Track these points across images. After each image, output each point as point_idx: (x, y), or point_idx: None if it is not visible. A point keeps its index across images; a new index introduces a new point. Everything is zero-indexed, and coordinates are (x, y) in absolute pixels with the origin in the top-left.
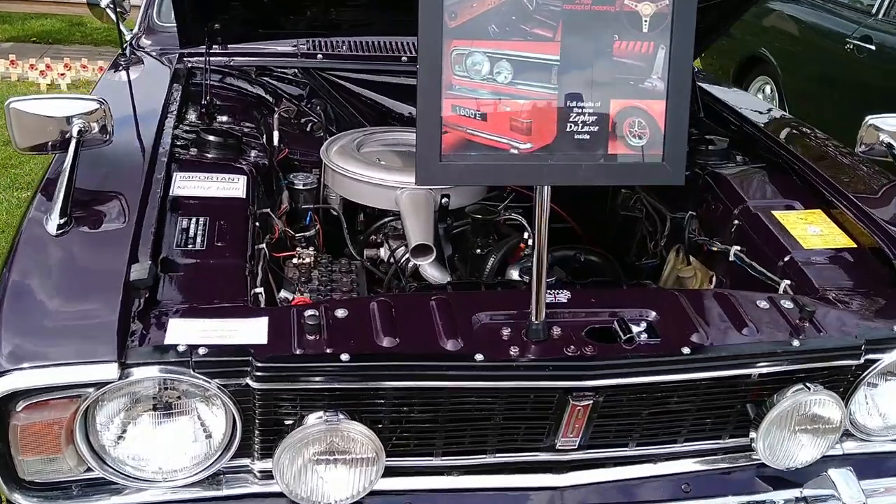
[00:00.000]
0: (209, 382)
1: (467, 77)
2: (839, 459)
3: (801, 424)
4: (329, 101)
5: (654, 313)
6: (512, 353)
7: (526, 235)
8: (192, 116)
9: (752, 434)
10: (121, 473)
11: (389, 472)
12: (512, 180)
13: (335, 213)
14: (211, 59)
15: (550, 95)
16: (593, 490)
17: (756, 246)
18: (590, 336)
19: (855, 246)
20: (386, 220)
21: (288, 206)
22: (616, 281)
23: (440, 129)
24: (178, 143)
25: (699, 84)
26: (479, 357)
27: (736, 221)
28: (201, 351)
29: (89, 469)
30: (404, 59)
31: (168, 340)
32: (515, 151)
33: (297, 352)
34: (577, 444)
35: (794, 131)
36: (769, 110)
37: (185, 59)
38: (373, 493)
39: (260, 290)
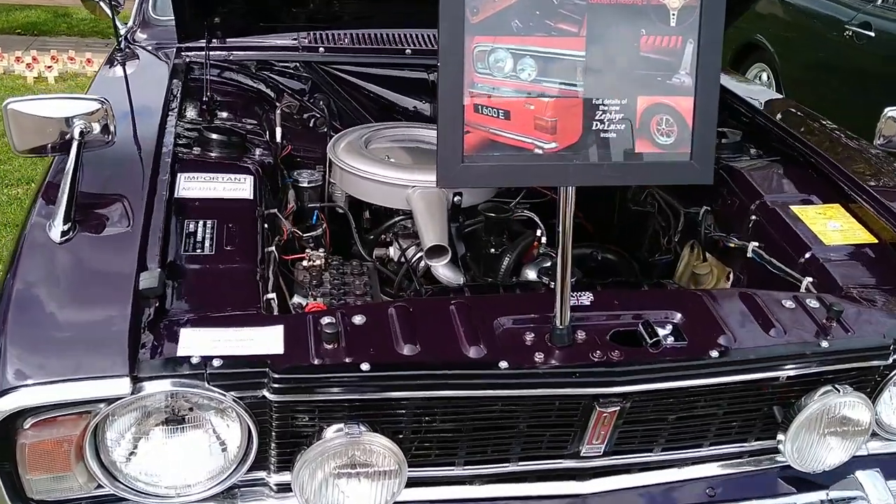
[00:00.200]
0: (224, 395)
1: (490, 75)
2: (864, 460)
3: (830, 427)
4: (332, 95)
5: (679, 315)
6: (537, 359)
7: (539, 233)
8: (192, 113)
9: (780, 437)
10: (133, 490)
11: (410, 482)
12: (536, 181)
13: (342, 211)
14: (210, 53)
15: (575, 93)
16: (617, 497)
17: (774, 242)
18: (614, 340)
19: (876, 241)
20: (397, 219)
21: (294, 206)
22: (637, 281)
23: (462, 129)
24: (181, 142)
25: None
26: (503, 364)
27: (753, 217)
28: (216, 363)
29: (100, 486)
30: (408, 51)
31: (181, 352)
32: (540, 151)
33: (316, 362)
34: (601, 450)
35: (808, 123)
36: (780, 101)
37: (183, 53)
38: None
39: (272, 295)
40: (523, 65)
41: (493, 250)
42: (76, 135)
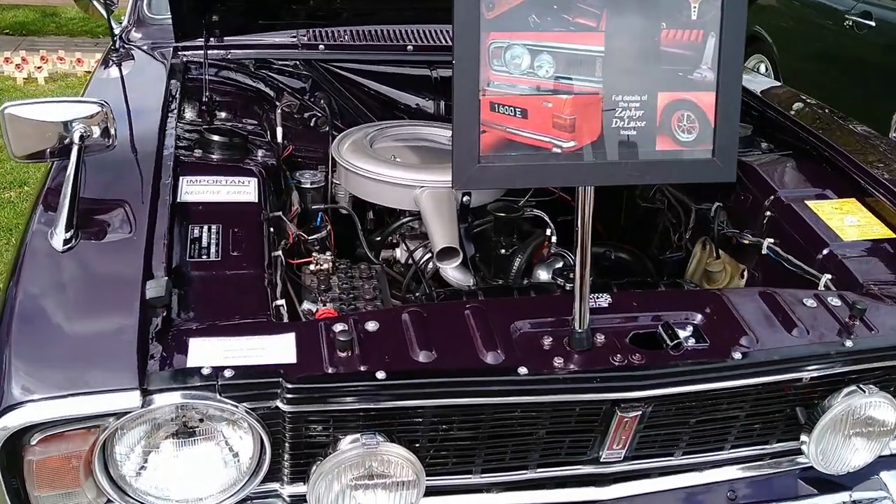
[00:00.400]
0: (237, 407)
1: (506, 72)
2: (889, 460)
3: (855, 428)
4: (333, 94)
5: (699, 316)
6: (556, 364)
7: (548, 232)
8: (191, 114)
9: (804, 439)
10: None
11: (426, 491)
12: (555, 181)
13: (346, 212)
14: (208, 52)
15: (594, 89)
16: (638, 502)
17: (790, 238)
18: (634, 343)
19: (894, 236)
20: (405, 220)
21: (299, 208)
22: (653, 281)
23: (478, 128)
24: (181, 145)
25: None
26: (522, 370)
27: (767, 213)
28: (227, 373)
29: (109, 502)
30: (410, 48)
31: (191, 363)
32: (558, 150)
33: (330, 371)
34: (622, 455)
35: (819, 115)
36: (788, 92)
37: (180, 53)
38: None
39: (281, 302)
40: (541, 61)
41: (503, 251)
42: (76, 139)
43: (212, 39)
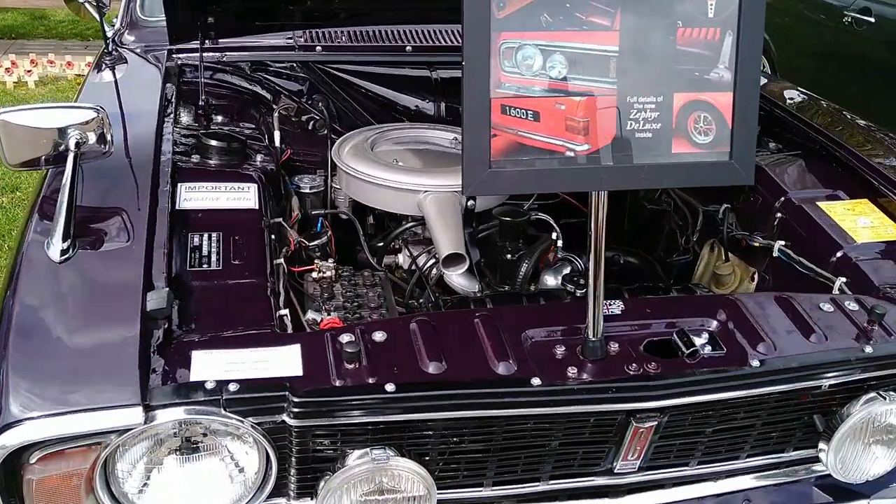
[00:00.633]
0: (242, 422)
1: (518, 73)
2: None
3: (875, 436)
4: (330, 96)
5: (714, 322)
6: (570, 374)
7: (553, 236)
8: (187, 119)
9: (823, 447)
10: None
11: None
12: (568, 186)
13: (346, 217)
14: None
15: (609, 91)
16: None
17: (802, 240)
18: (648, 350)
19: None
20: (408, 225)
21: (299, 214)
22: (665, 286)
23: (489, 131)
24: (178, 150)
25: None
26: (535, 381)
27: (778, 214)
28: (232, 387)
29: None
30: (408, 48)
31: (194, 377)
32: (571, 154)
33: (337, 383)
34: (636, 466)
35: (828, 114)
36: (796, 91)
37: (174, 55)
38: None
39: (285, 311)
40: (553, 62)
41: (509, 256)
42: (71, 146)
43: (207, 42)
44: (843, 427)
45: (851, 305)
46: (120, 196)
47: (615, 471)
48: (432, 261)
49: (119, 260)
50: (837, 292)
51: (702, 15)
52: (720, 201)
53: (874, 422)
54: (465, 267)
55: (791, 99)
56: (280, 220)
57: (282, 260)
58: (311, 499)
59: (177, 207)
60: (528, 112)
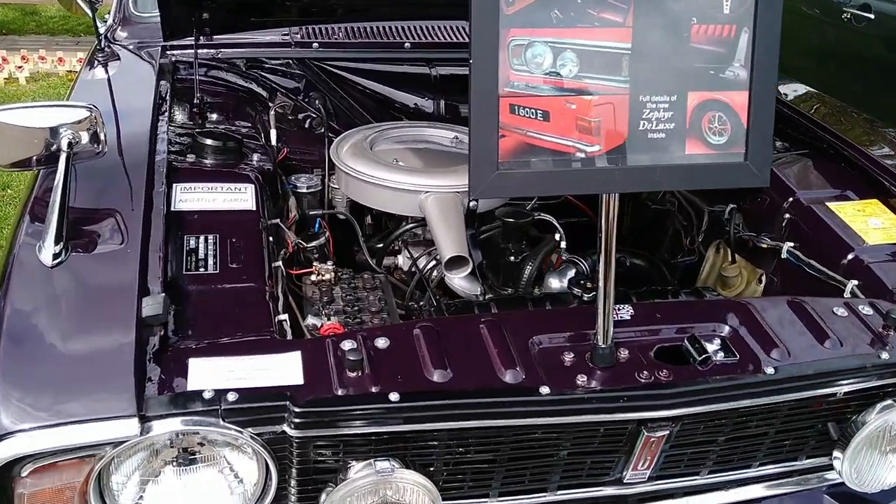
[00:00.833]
0: (241, 433)
1: (527, 72)
2: None
3: (892, 444)
4: (327, 93)
5: (726, 328)
6: (579, 382)
7: (557, 237)
8: (182, 117)
9: (837, 455)
10: None
11: None
12: (579, 189)
13: (343, 217)
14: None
15: (621, 90)
16: None
17: (811, 242)
18: (659, 357)
19: None
20: (409, 226)
21: (297, 215)
22: (674, 289)
23: (497, 132)
24: (173, 149)
25: None
26: (544, 390)
27: (787, 215)
28: (230, 397)
29: None
30: (407, 45)
31: (191, 385)
32: (582, 155)
33: (339, 392)
34: (646, 476)
35: (835, 112)
36: (801, 90)
37: (168, 52)
38: None
39: (284, 317)
40: (564, 59)
41: (512, 258)
42: (64, 146)
43: (202, 38)
44: (860, 436)
45: (866, 310)
46: (114, 197)
47: (624, 480)
48: (433, 262)
49: (113, 264)
50: (849, 296)
51: (717, 11)
52: (726, 201)
53: (891, 430)
54: (469, 270)
55: (797, 96)
56: (277, 221)
57: (280, 262)
58: None
59: (172, 209)
60: (538, 112)
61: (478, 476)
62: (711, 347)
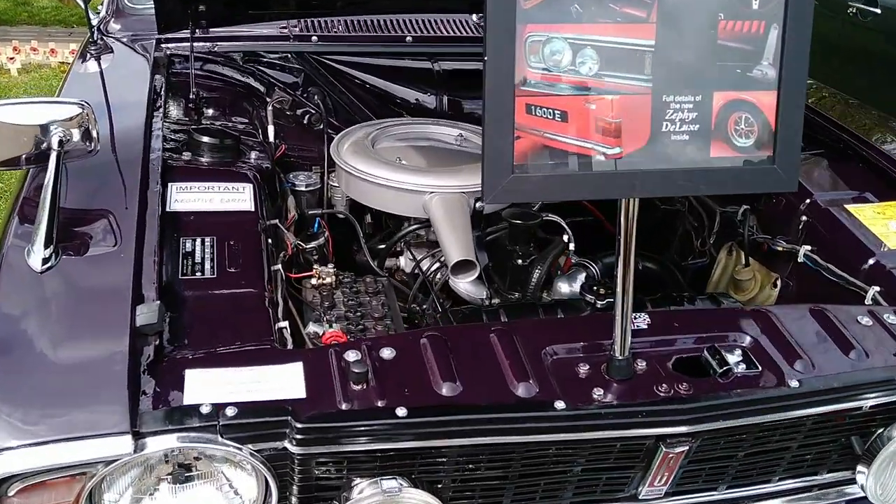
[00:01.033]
0: (240, 449)
1: (545, 69)
2: None
3: None
4: (327, 88)
5: (747, 338)
6: (595, 396)
7: (565, 238)
8: (177, 112)
9: (862, 470)
10: None
11: None
12: (598, 193)
13: (343, 216)
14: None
15: (643, 89)
16: None
17: (829, 245)
18: (677, 369)
19: None
20: (412, 228)
21: (296, 215)
22: (690, 295)
23: (512, 133)
24: (168, 147)
25: None
26: (559, 405)
27: (803, 217)
28: (229, 411)
29: None
30: (409, 38)
31: (188, 399)
32: (602, 158)
33: (343, 407)
34: (663, 492)
35: (849, 110)
36: (816, 87)
37: (163, 45)
38: None
39: (285, 324)
40: (583, 57)
41: (519, 261)
42: (54, 144)
43: (197, 31)
44: (886, 451)
45: (891, 319)
46: (106, 198)
47: (640, 497)
48: (437, 265)
49: (105, 269)
50: (871, 303)
51: (745, 6)
52: (739, 202)
53: None
54: (476, 275)
55: (809, 93)
56: (276, 221)
57: (279, 266)
58: None
59: (167, 209)
60: (556, 112)
61: (487, 493)
62: (732, 359)
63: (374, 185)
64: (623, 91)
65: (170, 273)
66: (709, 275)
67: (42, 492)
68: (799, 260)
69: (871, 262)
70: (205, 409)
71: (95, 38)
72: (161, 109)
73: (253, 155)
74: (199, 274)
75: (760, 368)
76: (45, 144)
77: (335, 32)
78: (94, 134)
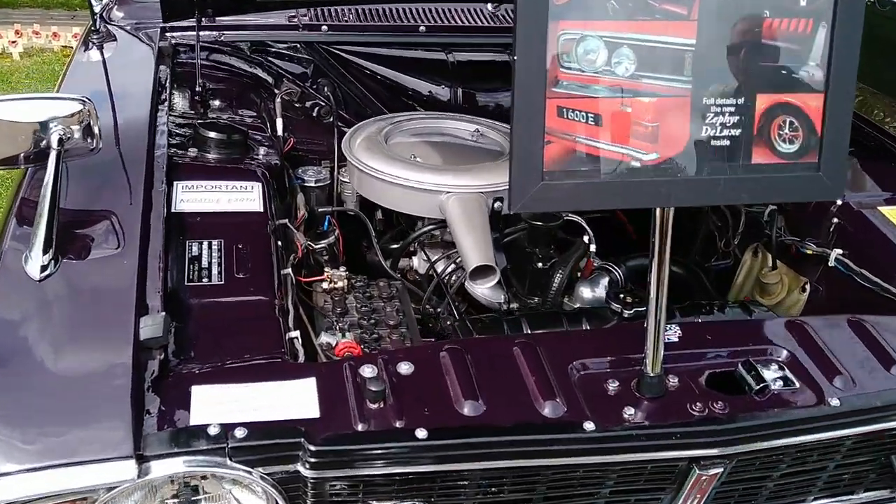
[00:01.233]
0: (250, 473)
1: (578, 70)
2: None
3: None
4: (337, 80)
5: (784, 352)
6: (626, 416)
7: (586, 239)
8: (182, 105)
9: None
10: None
11: None
12: (632, 202)
13: (353, 213)
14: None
15: (683, 91)
16: None
17: (862, 249)
18: (711, 385)
19: None
20: (427, 228)
21: (306, 213)
22: (720, 303)
23: (542, 138)
24: (173, 142)
25: None
26: (588, 426)
27: (834, 219)
28: (238, 433)
29: None
30: (422, 28)
31: (195, 419)
32: (637, 164)
33: (360, 428)
34: None
35: (883, 107)
36: None
37: (167, 34)
38: None
39: (296, 334)
40: (619, 56)
41: (539, 264)
42: (54, 143)
43: (203, 19)
44: None
45: None
46: (109, 198)
47: None
48: (452, 266)
49: (108, 277)
50: None
51: (793, 3)
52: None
53: None
54: (495, 280)
55: None
56: (286, 221)
57: (290, 270)
58: None
59: (173, 210)
60: (589, 115)
61: None
62: (769, 374)
63: (389, 183)
64: (661, 93)
65: (175, 279)
66: (732, 277)
67: None
68: (830, 264)
69: None
70: (213, 431)
71: (98, 26)
72: (166, 102)
73: (261, 150)
74: (205, 280)
75: (798, 385)
76: (44, 142)
77: (346, 21)
78: (96, 131)
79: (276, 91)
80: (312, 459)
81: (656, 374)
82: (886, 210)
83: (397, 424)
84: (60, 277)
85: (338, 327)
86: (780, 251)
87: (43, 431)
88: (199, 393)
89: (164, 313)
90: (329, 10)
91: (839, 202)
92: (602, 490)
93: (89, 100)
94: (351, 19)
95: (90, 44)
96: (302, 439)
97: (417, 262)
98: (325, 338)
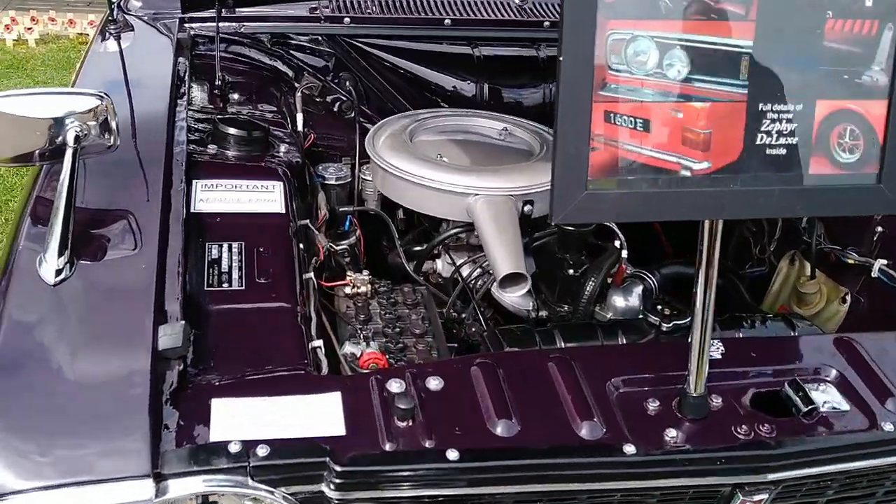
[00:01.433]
0: (272, 493)
1: (627, 72)
2: None
3: None
4: (359, 74)
5: (832, 371)
6: (668, 438)
7: (617, 244)
8: (201, 98)
9: None
10: None
11: None
12: (681, 214)
13: (374, 212)
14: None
15: (738, 96)
16: None
17: None
18: (756, 406)
19: None
20: (453, 231)
21: (327, 213)
22: (762, 315)
23: (587, 144)
24: (192, 138)
25: None
26: (628, 449)
27: (878, 228)
28: (261, 451)
29: None
30: (447, 21)
31: (215, 436)
32: (688, 173)
33: (387, 447)
34: None
35: None
36: None
37: (186, 25)
38: None
39: (319, 343)
40: (671, 58)
41: (570, 271)
42: (70, 140)
43: (223, 10)
44: None
45: None
46: (126, 198)
47: None
48: (478, 271)
49: (125, 283)
50: None
51: (857, 4)
52: None
53: None
54: (526, 289)
55: None
56: (307, 222)
57: (311, 274)
58: None
59: (192, 210)
60: (637, 120)
61: None
62: (817, 396)
63: (414, 184)
64: (715, 98)
65: (194, 283)
66: (766, 285)
67: None
68: (873, 275)
69: None
70: (234, 448)
71: (115, 16)
72: (185, 96)
73: (282, 147)
74: (225, 285)
75: (849, 407)
76: (60, 139)
77: (369, 14)
78: (114, 127)
79: (297, 85)
80: (338, 480)
81: (700, 394)
82: None
83: (427, 444)
84: (76, 282)
85: (361, 336)
86: (818, 259)
87: (58, 447)
88: (219, 406)
89: (183, 322)
90: (351, 2)
91: None
92: None
93: (107, 95)
94: (374, 11)
95: (107, 34)
96: (327, 459)
97: (441, 266)
98: (349, 348)
